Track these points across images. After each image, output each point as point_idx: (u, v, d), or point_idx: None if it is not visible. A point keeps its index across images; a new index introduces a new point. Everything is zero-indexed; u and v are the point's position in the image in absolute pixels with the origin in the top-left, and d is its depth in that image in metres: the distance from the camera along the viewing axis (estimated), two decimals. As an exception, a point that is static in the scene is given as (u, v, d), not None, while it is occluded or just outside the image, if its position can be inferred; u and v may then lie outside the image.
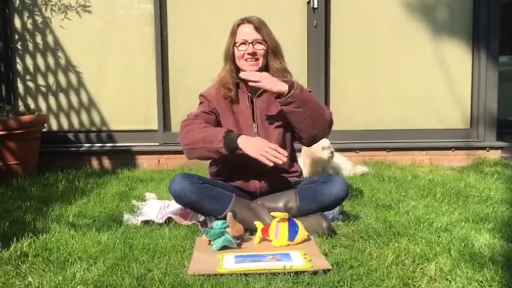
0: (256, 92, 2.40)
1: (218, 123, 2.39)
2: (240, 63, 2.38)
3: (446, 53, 4.23)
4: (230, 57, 2.40)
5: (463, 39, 4.23)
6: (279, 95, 2.24)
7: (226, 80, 2.39)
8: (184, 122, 2.36)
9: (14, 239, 2.10)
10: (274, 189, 2.42)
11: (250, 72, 2.31)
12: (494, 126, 4.23)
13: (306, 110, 2.25)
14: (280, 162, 2.16)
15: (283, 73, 2.39)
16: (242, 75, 2.31)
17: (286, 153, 2.19)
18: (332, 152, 3.43)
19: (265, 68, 2.39)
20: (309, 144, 2.50)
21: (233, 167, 2.40)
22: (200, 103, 2.47)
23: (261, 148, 2.16)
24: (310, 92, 2.44)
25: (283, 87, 2.22)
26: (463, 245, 1.98)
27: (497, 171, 3.66)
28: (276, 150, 2.16)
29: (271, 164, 2.15)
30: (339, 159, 3.67)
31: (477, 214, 2.46)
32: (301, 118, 2.27)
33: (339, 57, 4.22)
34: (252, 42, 2.34)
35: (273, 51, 2.38)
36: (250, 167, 2.36)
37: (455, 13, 4.23)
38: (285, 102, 2.23)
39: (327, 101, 4.21)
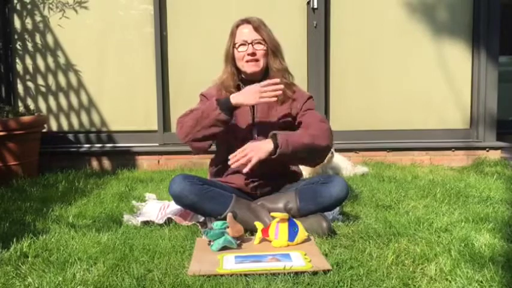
0: None
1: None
2: (241, 64, 2.38)
3: (446, 53, 4.23)
4: (230, 59, 2.40)
5: (463, 39, 4.24)
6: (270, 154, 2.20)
7: (228, 83, 2.38)
8: (179, 119, 2.35)
9: (14, 240, 2.10)
10: (274, 190, 2.43)
11: (234, 154, 2.21)
12: (494, 126, 4.23)
13: (300, 154, 2.24)
14: (281, 92, 2.18)
15: (283, 73, 2.38)
16: (231, 160, 2.21)
17: (277, 80, 2.20)
18: (332, 153, 3.43)
19: (265, 69, 2.38)
20: (314, 167, 2.61)
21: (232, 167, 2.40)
22: (200, 101, 2.46)
23: (257, 92, 2.19)
24: (311, 97, 2.44)
25: (269, 147, 2.18)
26: (463, 245, 1.98)
27: (497, 172, 3.66)
28: (270, 84, 2.17)
29: (275, 99, 2.19)
30: (339, 159, 3.67)
31: (477, 214, 2.46)
32: (299, 160, 2.36)
33: (339, 57, 4.22)
34: (251, 43, 2.34)
35: (273, 51, 2.37)
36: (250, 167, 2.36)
37: (455, 13, 4.23)
38: (278, 159, 2.20)
39: (326, 101, 4.21)
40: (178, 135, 2.33)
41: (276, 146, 2.18)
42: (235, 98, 2.22)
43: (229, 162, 2.21)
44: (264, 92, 2.19)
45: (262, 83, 2.22)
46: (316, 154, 2.31)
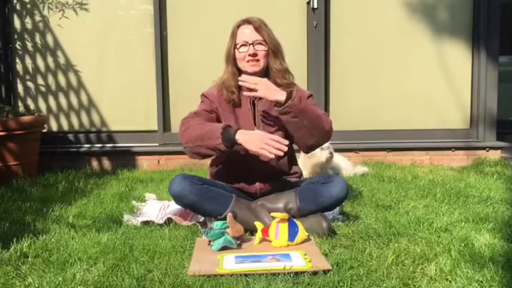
0: None
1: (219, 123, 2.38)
2: (242, 64, 2.37)
3: (447, 53, 4.24)
4: (231, 59, 2.39)
5: (463, 39, 4.24)
6: (277, 103, 2.23)
7: (229, 83, 2.38)
8: (183, 120, 2.34)
9: (14, 240, 2.10)
10: (274, 190, 2.43)
11: (249, 77, 2.29)
12: (494, 126, 4.23)
13: (303, 120, 2.22)
14: (282, 153, 2.14)
15: (283, 74, 2.38)
16: (241, 79, 2.30)
17: (286, 142, 2.17)
18: (331, 153, 3.43)
19: (266, 69, 2.38)
20: (307, 152, 2.50)
21: (233, 167, 2.40)
22: (201, 102, 2.46)
23: (261, 141, 2.15)
24: (311, 95, 2.44)
25: (281, 96, 2.21)
26: (463, 245, 1.98)
27: (497, 172, 3.66)
28: (276, 140, 2.15)
29: (272, 157, 2.14)
30: (339, 159, 3.67)
31: (477, 214, 2.46)
32: (298, 128, 2.26)
33: (339, 57, 4.22)
34: (252, 43, 2.33)
35: (274, 51, 2.37)
36: (250, 167, 2.36)
37: (455, 13, 4.23)
38: (282, 111, 2.21)
39: (326, 101, 4.21)
40: (180, 137, 2.33)
41: (288, 99, 2.20)
42: (240, 137, 2.17)
43: (240, 78, 2.28)
44: (267, 146, 2.14)
45: (272, 136, 2.17)
46: (315, 130, 2.26)
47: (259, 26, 2.36)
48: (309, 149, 2.43)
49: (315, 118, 2.26)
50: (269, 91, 2.23)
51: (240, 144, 2.18)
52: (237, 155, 2.37)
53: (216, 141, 2.16)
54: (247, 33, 2.35)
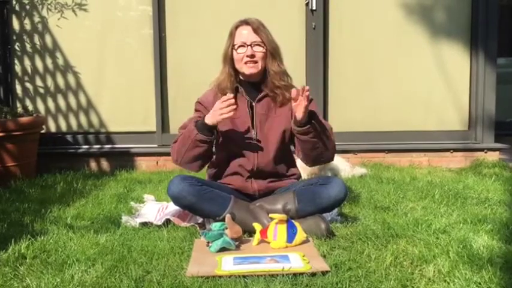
0: (256, 96, 2.39)
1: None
2: (239, 66, 2.36)
3: (445, 55, 4.24)
4: (229, 60, 2.38)
5: (462, 41, 4.24)
6: (295, 121, 2.23)
7: (225, 85, 2.37)
8: (172, 145, 2.39)
9: (12, 241, 2.09)
10: (272, 192, 2.42)
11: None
12: (493, 127, 4.24)
13: (320, 141, 2.26)
14: (235, 106, 2.18)
15: (281, 76, 2.37)
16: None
17: (230, 95, 2.19)
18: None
19: (263, 71, 2.38)
20: (310, 166, 2.52)
21: (231, 168, 2.40)
22: (195, 110, 2.45)
23: (216, 111, 2.19)
24: (311, 100, 2.43)
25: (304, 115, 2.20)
26: (461, 246, 1.98)
27: (495, 173, 3.67)
28: (223, 101, 2.17)
29: (232, 114, 2.18)
30: (338, 160, 3.67)
31: (475, 215, 2.46)
32: (312, 147, 2.28)
33: (338, 58, 4.23)
34: (250, 45, 2.33)
35: (272, 53, 2.35)
36: (249, 169, 2.36)
37: (453, 15, 4.24)
38: (302, 131, 2.22)
39: (325, 103, 4.21)
40: (172, 160, 2.40)
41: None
42: (208, 119, 2.24)
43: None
44: (221, 109, 2.18)
45: (219, 100, 2.21)
46: (329, 152, 2.33)
47: (258, 27, 2.35)
48: (313, 165, 2.50)
49: (331, 141, 2.31)
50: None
51: (212, 126, 2.23)
52: (235, 155, 2.37)
53: (193, 134, 2.23)
54: (246, 34, 2.34)
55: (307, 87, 2.14)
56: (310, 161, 2.40)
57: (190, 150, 2.27)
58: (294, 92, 2.16)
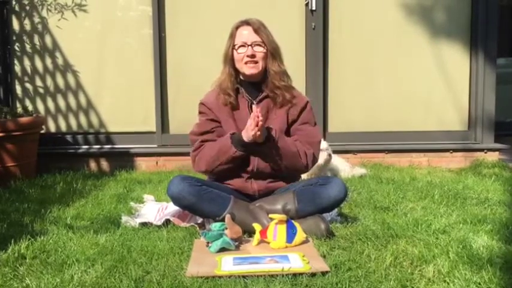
0: (256, 97, 2.39)
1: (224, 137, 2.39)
2: (239, 66, 2.37)
3: (445, 55, 4.24)
4: (229, 60, 2.38)
5: (461, 41, 4.25)
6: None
7: (226, 85, 2.37)
8: (192, 154, 2.40)
9: (12, 241, 2.09)
10: (272, 192, 2.42)
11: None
12: (492, 128, 4.24)
13: (282, 153, 2.30)
14: (261, 123, 2.18)
15: (281, 76, 2.37)
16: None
17: (259, 114, 2.18)
18: (330, 155, 3.43)
19: (264, 71, 2.38)
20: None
21: (231, 169, 2.40)
22: (200, 112, 2.45)
23: (249, 130, 2.21)
24: (308, 103, 2.45)
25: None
26: (461, 246, 1.98)
27: (495, 173, 3.67)
28: (253, 119, 2.17)
29: (260, 130, 2.18)
30: (337, 161, 3.67)
31: (475, 216, 2.46)
32: (272, 158, 2.32)
33: (337, 59, 4.23)
34: (251, 45, 2.33)
35: (272, 53, 2.36)
36: (249, 169, 2.36)
37: (453, 15, 4.24)
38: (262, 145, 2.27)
39: (325, 103, 4.21)
40: (197, 169, 2.40)
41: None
42: (245, 136, 2.26)
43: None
44: (252, 128, 2.19)
45: (249, 121, 2.23)
46: (291, 167, 2.36)
47: (258, 28, 2.35)
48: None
49: (291, 156, 2.33)
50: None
51: (248, 143, 2.25)
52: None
53: (231, 151, 2.27)
54: (246, 35, 2.35)
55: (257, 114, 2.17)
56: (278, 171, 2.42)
57: (225, 164, 2.32)
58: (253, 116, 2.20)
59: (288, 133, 2.41)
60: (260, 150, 2.29)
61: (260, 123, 2.17)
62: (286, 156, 2.31)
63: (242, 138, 2.26)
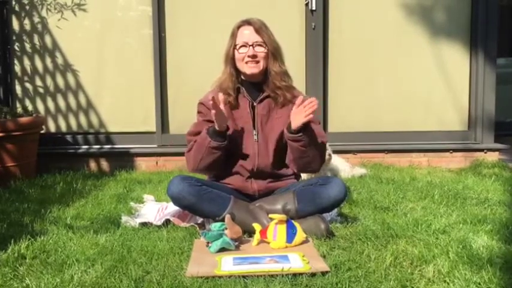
0: (257, 97, 2.39)
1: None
2: (241, 65, 2.36)
3: (445, 55, 4.24)
4: (230, 60, 2.38)
5: (461, 41, 4.25)
6: (289, 126, 2.24)
7: (226, 84, 2.37)
8: (185, 153, 2.41)
9: (12, 241, 2.09)
10: (272, 192, 2.42)
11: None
12: (492, 128, 4.24)
13: (309, 152, 2.27)
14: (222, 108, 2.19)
15: (282, 76, 2.37)
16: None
17: (220, 95, 2.19)
18: (330, 155, 3.43)
19: (265, 71, 2.38)
20: (296, 172, 2.52)
21: (231, 169, 2.40)
22: (198, 112, 2.45)
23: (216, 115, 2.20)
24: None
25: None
26: (461, 246, 1.98)
27: (495, 173, 3.67)
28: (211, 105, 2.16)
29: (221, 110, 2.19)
30: (337, 161, 3.67)
31: (475, 216, 2.46)
32: (300, 156, 2.29)
33: (337, 59, 4.23)
34: (252, 45, 2.32)
35: (273, 54, 2.35)
36: (248, 169, 2.36)
37: (453, 15, 4.24)
38: (292, 138, 2.23)
39: (325, 103, 4.21)
40: (189, 168, 2.41)
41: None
42: (217, 124, 2.25)
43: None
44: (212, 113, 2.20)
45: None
46: (316, 163, 2.36)
47: (260, 28, 2.35)
48: (299, 172, 2.50)
49: (320, 153, 2.33)
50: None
51: (224, 131, 2.25)
52: (235, 155, 2.37)
53: (206, 141, 2.25)
54: (247, 34, 2.34)
55: (316, 102, 2.15)
56: (296, 168, 2.42)
57: (206, 157, 2.30)
58: (299, 99, 2.18)
59: None
60: (300, 139, 2.23)
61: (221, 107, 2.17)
62: (317, 146, 2.30)
63: (216, 128, 2.25)
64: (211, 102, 2.14)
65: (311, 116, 2.16)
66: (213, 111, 2.16)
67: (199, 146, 2.30)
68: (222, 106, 2.21)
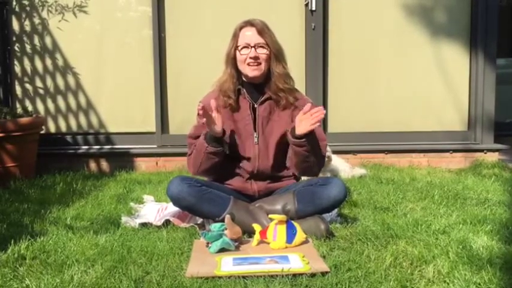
0: (258, 98, 2.38)
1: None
2: (242, 67, 2.34)
3: (445, 55, 4.24)
4: (231, 61, 2.36)
5: (461, 41, 4.24)
6: (292, 130, 2.24)
7: (227, 86, 2.35)
8: (187, 158, 2.43)
9: (12, 242, 2.09)
10: (272, 192, 2.42)
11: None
12: (492, 128, 4.24)
13: (311, 157, 2.27)
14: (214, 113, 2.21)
15: (285, 78, 2.35)
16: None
17: (213, 103, 2.22)
18: (329, 157, 3.43)
19: (267, 73, 2.36)
20: (298, 175, 2.52)
21: (231, 169, 2.40)
22: (198, 114, 2.44)
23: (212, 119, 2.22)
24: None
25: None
26: (461, 247, 1.98)
27: (494, 174, 3.67)
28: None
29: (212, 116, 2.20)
30: (337, 161, 3.67)
31: (475, 216, 2.46)
32: (302, 160, 2.29)
33: (337, 59, 4.22)
34: (254, 46, 2.30)
35: (276, 55, 2.33)
36: (248, 169, 2.36)
37: (453, 15, 4.24)
38: (297, 143, 2.23)
39: (325, 103, 4.21)
40: (190, 173, 2.44)
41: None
42: (210, 132, 2.26)
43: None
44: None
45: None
46: (317, 167, 2.37)
47: (262, 29, 2.32)
48: (300, 175, 2.51)
49: (321, 157, 2.34)
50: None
51: (218, 136, 2.26)
52: (236, 157, 2.37)
53: (203, 147, 2.26)
54: (250, 36, 2.32)
55: (323, 111, 2.14)
56: (297, 171, 2.42)
57: (205, 162, 2.31)
58: (307, 106, 2.17)
59: None
60: (303, 144, 2.23)
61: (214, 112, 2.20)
62: (319, 151, 2.31)
63: (212, 134, 2.25)
64: (201, 111, 2.15)
65: (317, 124, 2.16)
66: (204, 120, 2.17)
67: (198, 151, 2.32)
68: (214, 114, 2.22)
